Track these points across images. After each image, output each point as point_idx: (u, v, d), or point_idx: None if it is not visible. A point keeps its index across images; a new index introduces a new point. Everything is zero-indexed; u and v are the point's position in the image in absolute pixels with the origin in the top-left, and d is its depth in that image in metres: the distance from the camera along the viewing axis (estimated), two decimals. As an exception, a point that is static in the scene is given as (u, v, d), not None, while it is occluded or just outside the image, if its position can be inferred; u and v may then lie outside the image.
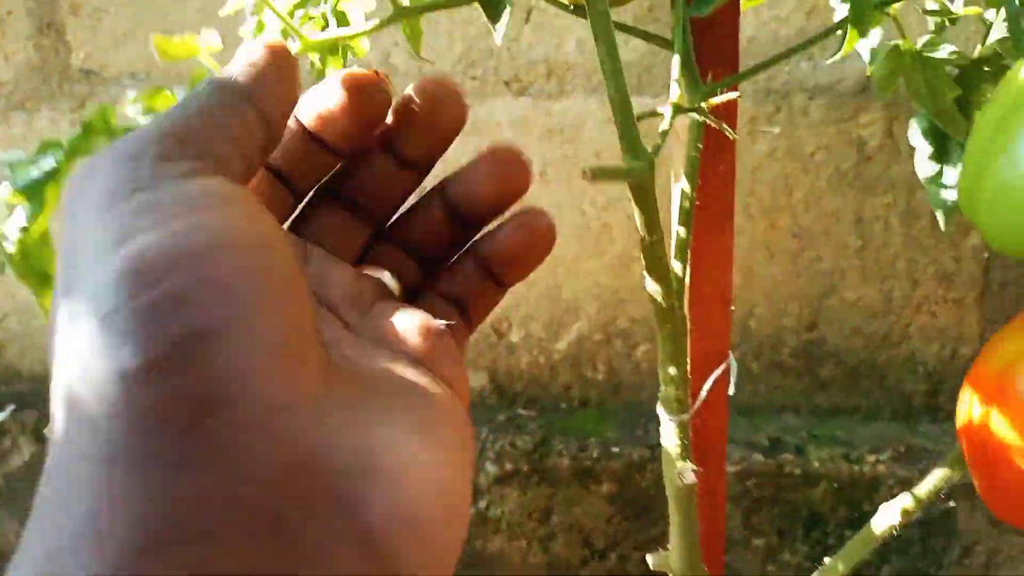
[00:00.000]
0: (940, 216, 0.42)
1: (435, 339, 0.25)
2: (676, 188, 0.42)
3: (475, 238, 0.28)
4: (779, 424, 0.80)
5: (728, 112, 0.42)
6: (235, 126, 0.22)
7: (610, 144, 0.77)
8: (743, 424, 0.81)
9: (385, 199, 0.28)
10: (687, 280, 0.44)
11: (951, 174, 0.43)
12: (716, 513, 0.50)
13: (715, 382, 0.45)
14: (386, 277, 0.28)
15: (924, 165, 0.43)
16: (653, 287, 0.34)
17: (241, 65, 0.24)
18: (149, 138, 0.21)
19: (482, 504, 0.83)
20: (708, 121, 0.33)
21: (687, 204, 0.37)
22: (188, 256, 0.18)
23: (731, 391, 0.46)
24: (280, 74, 0.24)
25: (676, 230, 0.38)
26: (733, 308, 0.46)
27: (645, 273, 0.35)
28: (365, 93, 0.26)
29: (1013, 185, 0.26)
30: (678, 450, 0.38)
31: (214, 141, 0.22)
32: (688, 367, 0.38)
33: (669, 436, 0.38)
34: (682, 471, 0.38)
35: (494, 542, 0.85)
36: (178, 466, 0.17)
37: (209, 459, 0.17)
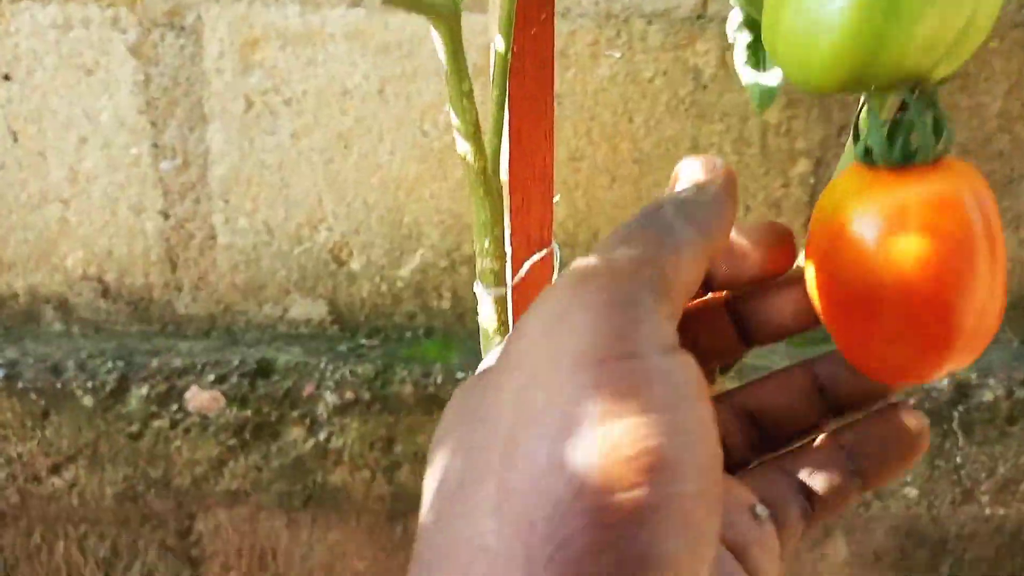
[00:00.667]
0: (754, 101, 0.44)
1: (754, 528, 0.23)
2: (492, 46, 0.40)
3: (837, 424, 0.27)
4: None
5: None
6: (697, 274, 0.22)
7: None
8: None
9: (718, 346, 0.28)
10: (505, 153, 0.42)
11: (768, 62, 0.44)
12: None
13: (537, 268, 0.44)
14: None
15: (741, 54, 0.44)
16: (464, 146, 0.33)
17: (711, 196, 0.23)
18: (642, 283, 0.19)
19: (322, 436, 0.81)
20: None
21: (502, 62, 0.35)
22: (670, 472, 0.17)
23: (554, 278, 0.46)
24: (733, 207, 0.23)
25: (492, 92, 0.37)
26: (557, 197, 0.45)
27: (456, 132, 0.33)
28: (781, 254, 0.26)
29: (805, 12, 0.25)
30: (495, 325, 0.37)
31: (683, 293, 0.21)
32: (505, 238, 0.38)
33: (486, 311, 0.38)
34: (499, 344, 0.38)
35: (336, 474, 0.83)
36: None
37: None
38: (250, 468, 0.83)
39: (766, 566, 0.24)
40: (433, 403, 0.81)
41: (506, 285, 0.39)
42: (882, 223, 0.25)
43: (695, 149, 0.78)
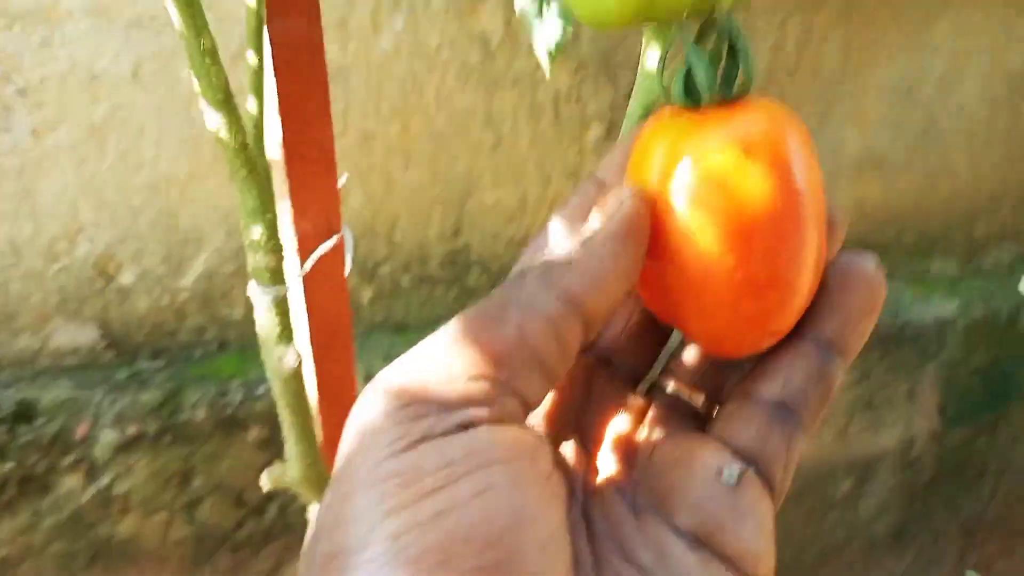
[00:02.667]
0: (544, 60, 0.40)
1: (723, 498, 0.21)
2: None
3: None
4: (433, 335, 0.76)
5: None
6: (549, 351, 0.20)
7: (221, 31, 0.66)
8: (401, 341, 0.76)
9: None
10: (275, 128, 0.36)
11: (551, 10, 0.41)
12: (345, 405, 0.43)
13: (328, 259, 0.38)
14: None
15: (522, 1, 0.40)
16: (214, 118, 0.27)
17: (594, 253, 0.20)
18: (438, 370, 0.19)
19: (103, 481, 0.68)
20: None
21: (254, 21, 0.29)
22: (444, 553, 0.17)
23: (347, 267, 0.40)
24: (628, 261, 0.21)
25: (248, 57, 0.30)
26: (345, 176, 0.39)
27: (202, 102, 0.27)
28: None
29: None
30: (277, 329, 0.30)
31: (519, 375, 0.19)
32: (279, 225, 0.31)
33: (263, 314, 0.31)
34: (283, 355, 0.31)
35: (125, 523, 0.70)
36: None
37: None
38: (19, 531, 0.68)
39: (748, 538, 0.20)
40: (233, 425, 0.71)
41: (285, 283, 0.33)
42: (679, 174, 0.22)
43: (489, 121, 0.75)
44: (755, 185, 0.21)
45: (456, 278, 0.80)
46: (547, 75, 0.38)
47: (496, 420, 0.19)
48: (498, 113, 0.75)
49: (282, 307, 0.33)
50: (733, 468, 0.21)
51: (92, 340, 0.72)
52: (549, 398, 0.24)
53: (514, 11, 0.71)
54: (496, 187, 0.77)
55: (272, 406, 0.72)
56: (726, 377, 0.25)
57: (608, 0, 0.23)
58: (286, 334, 0.32)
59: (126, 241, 0.70)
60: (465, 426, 0.18)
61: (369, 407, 0.19)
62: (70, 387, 0.69)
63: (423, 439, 0.18)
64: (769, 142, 0.22)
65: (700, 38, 0.23)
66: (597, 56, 0.75)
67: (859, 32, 0.83)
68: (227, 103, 0.29)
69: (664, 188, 0.22)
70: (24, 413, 0.67)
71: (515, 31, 0.72)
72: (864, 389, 0.94)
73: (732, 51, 0.23)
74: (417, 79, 0.71)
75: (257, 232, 0.31)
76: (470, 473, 0.18)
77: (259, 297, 0.32)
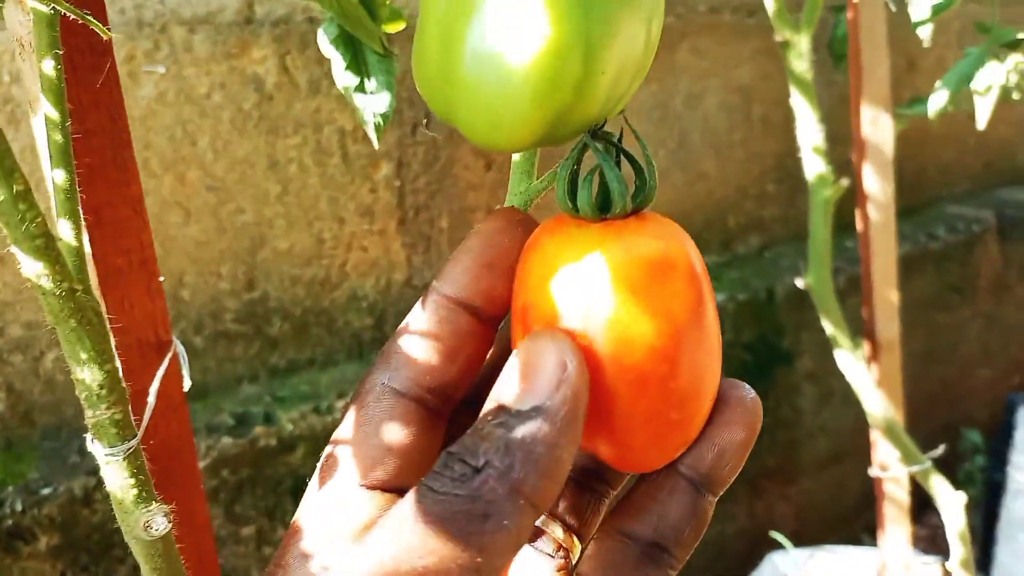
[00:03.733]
0: (371, 132, 0.37)
1: None
2: (38, 123, 0.29)
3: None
4: (240, 397, 0.70)
5: (94, 7, 0.30)
6: (510, 559, 0.18)
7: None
8: (201, 409, 0.69)
9: None
10: (87, 250, 0.31)
11: (372, 83, 0.38)
12: (201, 539, 0.37)
13: (162, 380, 0.33)
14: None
15: (342, 76, 0.37)
16: (33, 267, 0.22)
17: (552, 439, 0.18)
18: None
19: None
20: (67, 11, 0.23)
21: (60, 137, 0.24)
22: None
23: (187, 385, 0.35)
24: (579, 438, 0.19)
25: (52, 177, 0.25)
26: (161, 279, 0.34)
27: (14, 247, 0.22)
28: None
29: (490, 66, 0.21)
30: (135, 491, 0.25)
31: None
32: (119, 371, 0.26)
33: (116, 476, 0.25)
34: (150, 520, 0.26)
35: None
36: None
37: None
38: None
39: None
40: (16, 538, 0.60)
41: (135, 433, 0.27)
42: (610, 287, 0.21)
43: (275, 166, 0.69)
44: (684, 295, 0.21)
45: (257, 331, 0.73)
46: (376, 145, 0.35)
47: None
48: (282, 158, 0.70)
49: (135, 461, 0.27)
50: None
51: None
52: None
53: (287, 50, 0.67)
54: (289, 232, 0.72)
55: (63, 509, 0.62)
56: (586, 507, 0.24)
57: (508, 128, 0.22)
58: (146, 493, 0.26)
59: None
60: None
61: None
62: None
63: None
64: (685, 253, 0.22)
65: (588, 148, 0.23)
66: (379, 91, 0.72)
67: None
68: (49, 248, 0.23)
69: (593, 305, 0.21)
70: None
71: (291, 72, 0.68)
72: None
73: (619, 159, 0.22)
74: (188, 128, 0.65)
75: (98, 387, 0.25)
76: None
77: (107, 459, 0.26)
